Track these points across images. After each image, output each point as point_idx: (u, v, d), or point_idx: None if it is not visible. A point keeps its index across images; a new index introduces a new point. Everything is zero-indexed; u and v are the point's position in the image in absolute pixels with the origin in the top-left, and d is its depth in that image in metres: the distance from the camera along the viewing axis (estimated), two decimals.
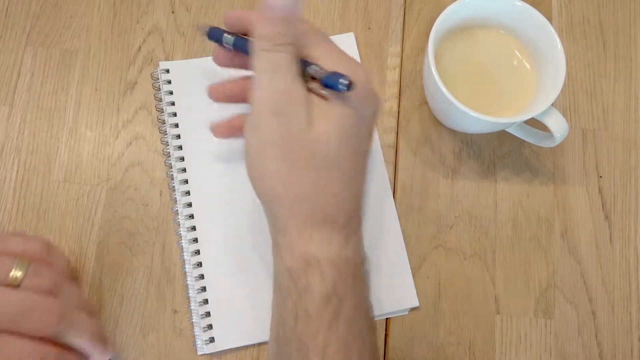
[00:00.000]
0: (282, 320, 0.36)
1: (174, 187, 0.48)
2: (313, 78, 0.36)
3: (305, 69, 0.36)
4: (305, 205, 0.36)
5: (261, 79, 0.36)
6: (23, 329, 0.35)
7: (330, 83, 0.35)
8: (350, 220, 0.37)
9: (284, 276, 0.36)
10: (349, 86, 0.34)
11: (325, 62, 0.36)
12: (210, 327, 0.45)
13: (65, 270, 0.42)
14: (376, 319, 0.46)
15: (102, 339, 0.40)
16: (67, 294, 0.39)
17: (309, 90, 0.36)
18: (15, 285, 0.36)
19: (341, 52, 0.38)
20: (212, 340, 0.44)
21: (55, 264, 0.40)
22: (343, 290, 0.35)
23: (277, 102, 0.35)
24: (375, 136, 0.50)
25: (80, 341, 0.38)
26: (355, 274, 0.37)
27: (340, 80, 0.34)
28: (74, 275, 0.44)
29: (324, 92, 0.36)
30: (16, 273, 0.36)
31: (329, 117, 0.36)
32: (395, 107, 0.51)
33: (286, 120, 0.35)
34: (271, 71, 0.36)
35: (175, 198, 0.48)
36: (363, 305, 0.37)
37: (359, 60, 0.51)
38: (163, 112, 0.49)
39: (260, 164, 0.36)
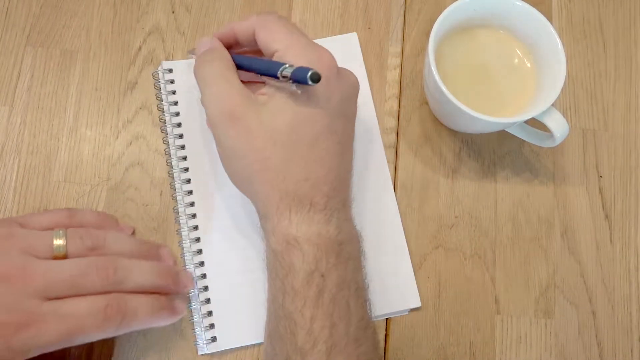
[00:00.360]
0: (273, 298, 0.39)
1: (175, 186, 0.48)
2: (284, 76, 0.38)
3: (277, 72, 0.38)
4: (280, 193, 0.38)
5: (212, 89, 0.40)
6: (83, 292, 0.38)
7: (299, 79, 0.36)
8: (329, 201, 0.39)
9: (271, 258, 0.39)
10: (315, 77, 0.35)
11: (289, 55, 0.39)
12: (212, 326, 0.45)
13: (103, 222, 0.44)
14: (377, 319, 0.46)
15: (170, 274, 0.42)
16: (112, 243, 0.41)
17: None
18: (62, 254, 0.39)
19: (301, 39, 0.40)
20: (213, 339, 0.44)
21: (88, 222, 0.43)
22: (325, 268, 0.37)
23: (227, 108, 0.39)
24: (377, 136, 0.50)
25: (146, 282, 0.40)
26: (340, 251, 0.38)
27: (308, 75, 0.35)
28: (112, 223, 0.45)
29: (294, 88, 0.38)
30: (58, 242, 0.39)
31: (286, 106, 0.39)
32: (395, 107, 0.51)
33: (240, 121, 0.39)
34: (220, 82, 0.40)
35: (177, 198, 0.48)
36: (350, 282, 0.38)
37: (361, 61, 0.51)
38: (164, 111, 0.49)
39: (231, 163, 0.41)
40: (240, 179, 0.41)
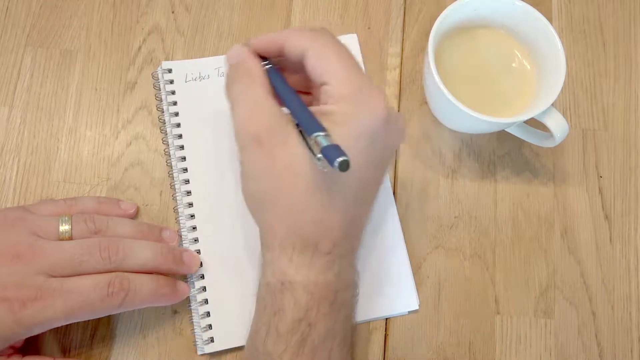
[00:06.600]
0: (256, 329, 0.38)
1: (175, 186, 0.48)
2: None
3: (310, 132, 0.34)
4: (286, 229, 0.37)
5: (239, 109, 0.38)
6: (87, 271, 0.40)
7: (327, 158, 0.33)
8: (336, 247, 0.37)
9: (263, 290, 0.38)
10: (344, 167, 0.32)
11: (337, 95, 0.37)
12: (210, 327, 0.45)
13: (104, 206, 0.46)
14: (376, 319, 0.46)
15: (170, 253, 0.43)
16: (114, 226, 0.43)
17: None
18: (67, 237, 0.41)
19: (355, 77, 0.37)
20: (212, 340, 0.44)
21: (89, 209, 0.45)
22: (315, 317, 0.36)
23: (253, 130, 0.37)
24: None
25: (147, 262, 0.42)
26: (334, 300, 0.37)
27: (338, 161, 0.32)
28: (113, 205, 0.46)
29: (317, 162, 0.34)
30: (64, 227, 0.41)
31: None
32: (395, 107, 0.51)
33: (264, 145, 0.36)
34: (248, 101, 0.38)
35: (176, 198, 0.48)
36: (337, 332, 0.37)
37: (360, 63, 0.51)
38: (164, 112, 0.49)
39: (248, 185, 0.39)
40: (253, 203, 0.39)
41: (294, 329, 0.36)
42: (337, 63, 0.37)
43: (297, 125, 0.37)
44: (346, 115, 0.36)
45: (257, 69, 0.39)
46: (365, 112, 0.37)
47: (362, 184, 0.38)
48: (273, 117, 0.37)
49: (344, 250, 0.38)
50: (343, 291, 0.38)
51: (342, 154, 0.32)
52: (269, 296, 0.37)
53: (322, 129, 0.34)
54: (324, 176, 0.36)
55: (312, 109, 0.37)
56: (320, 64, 0.37)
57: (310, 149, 0.35)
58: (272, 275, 0.37)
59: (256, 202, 0.39)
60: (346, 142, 0.33)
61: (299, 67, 0.39)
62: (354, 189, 0.38)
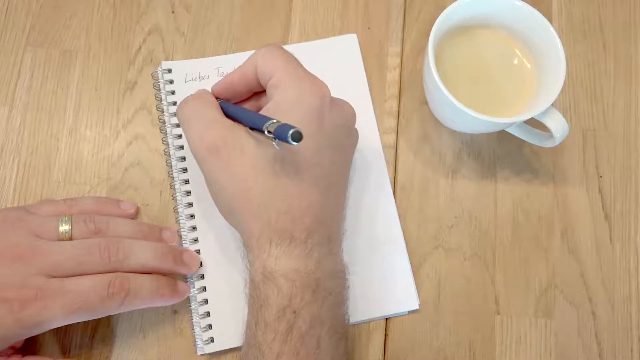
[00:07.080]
0: (249, 325, 0.39)
1: (175, 186, 0.48)
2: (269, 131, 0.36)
3: (262, 126, 0.37)
4: (261, 225, 0.38)
5: (194, 126, 0.41)
6: (87, 271, 0.40)
7: (280, 137, 0.35)
8: (311, 235, 0.39)
9: (250, 287, 0.39)
10: (296, 138, 0.34)
11: (282, 83, 0.40)
12: (210, 327, 0.45)
13: (104, 206, 0.46)
14: (376, 319, 0.46)
15: (171, 253, 0.44)
16: (114, 226, 0.43)
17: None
18: (67, 237, 0.41)
19: (297, 69, 0.41)
20: (211, 340, 0.44)
21: (89, 209, 0.45)
22: (298, 304, 0.37)
23: (207, 140, 0.39)
24: (376, 136, 0.50)
25: (147, 261, 0.42)
26: (317, 287, 0.38)
27: (289, 133, 0.34)
28: (113, 205, 0.47)
29: (275, 145, 0.37)
30: (64, 227, 0.42)
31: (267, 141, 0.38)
32: (395, 107, 0.51)
33: (220, 152, 0.39)
34: (202, 118, 0.41)
35: (176, 198, 0.48)
36: (325, 319, 0.38)
37: (360, 62, 0.51)
38: (164, 112, 0.49)
39: (216, 195, 0.41)
40: (225, 210, 0.41)
41: (280, 317, 0.37)
42: (280, 59, 0.41)
43: (252, 129, 0.40)
44: (291, 101, 0.39)
45: (210, 96, 0.43)
46: (309, 95, 0.39)
47: (322, 169, 0.40)
48: (226, 129, 0.40)
49: (320, 237, 0.39)
50: (326, 280, 0.39)
51: (292, 127, 0.34)
52: (254, 291, 0.39)
53: (272, 119, 0.37)
54: (285, 169, 0.38)
55: (261, 112, 0.40)
56: (267, 64, 0.41)
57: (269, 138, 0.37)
58: (254, 271, 0.39)
59: (228, 209, 0.41)
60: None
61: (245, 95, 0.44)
62: (315, 174, 0.39)
